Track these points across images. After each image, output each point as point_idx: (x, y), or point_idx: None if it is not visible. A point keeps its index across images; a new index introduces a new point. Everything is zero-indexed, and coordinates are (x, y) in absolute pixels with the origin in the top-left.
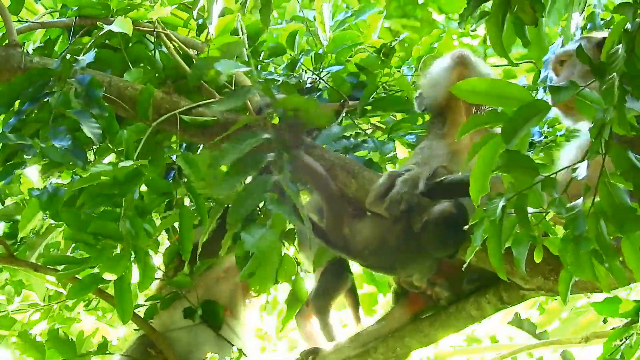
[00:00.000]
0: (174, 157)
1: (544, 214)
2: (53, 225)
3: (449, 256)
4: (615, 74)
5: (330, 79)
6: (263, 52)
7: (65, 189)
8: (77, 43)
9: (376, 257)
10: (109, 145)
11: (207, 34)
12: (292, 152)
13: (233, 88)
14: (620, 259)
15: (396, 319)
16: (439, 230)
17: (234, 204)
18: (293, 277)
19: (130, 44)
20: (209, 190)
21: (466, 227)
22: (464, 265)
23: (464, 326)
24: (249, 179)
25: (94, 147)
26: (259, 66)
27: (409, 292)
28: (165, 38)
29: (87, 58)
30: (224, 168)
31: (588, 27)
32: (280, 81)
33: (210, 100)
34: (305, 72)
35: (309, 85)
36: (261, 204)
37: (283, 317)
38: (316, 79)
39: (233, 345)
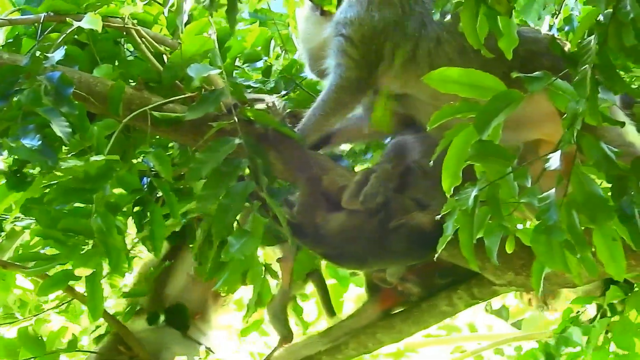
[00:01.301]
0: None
1: (517, 204)
2: (23, 227)
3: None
4: (587, 65)
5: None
6: (238, 58)
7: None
8: (46, 40)
9: (349, 247)
10: (80, 141)
11: (178, 31)
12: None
13: (206, 86)
14: (592, 249)
15: (368, 315)
16: (409, 241)
17: (217, 213)
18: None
19: (99, 40)
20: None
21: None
22: (435, 257)
23: (435, 322)
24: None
25: (65, 144)
26: (234, 72)
27: (381, 288)
28: (135, 34)
29: (56, 55)
30: None
31: (566, 29)
32: (257, 87)
33: (181, 97)
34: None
35: (284, 92)
36: None
37: (244, 314)
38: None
39: (201, 344)
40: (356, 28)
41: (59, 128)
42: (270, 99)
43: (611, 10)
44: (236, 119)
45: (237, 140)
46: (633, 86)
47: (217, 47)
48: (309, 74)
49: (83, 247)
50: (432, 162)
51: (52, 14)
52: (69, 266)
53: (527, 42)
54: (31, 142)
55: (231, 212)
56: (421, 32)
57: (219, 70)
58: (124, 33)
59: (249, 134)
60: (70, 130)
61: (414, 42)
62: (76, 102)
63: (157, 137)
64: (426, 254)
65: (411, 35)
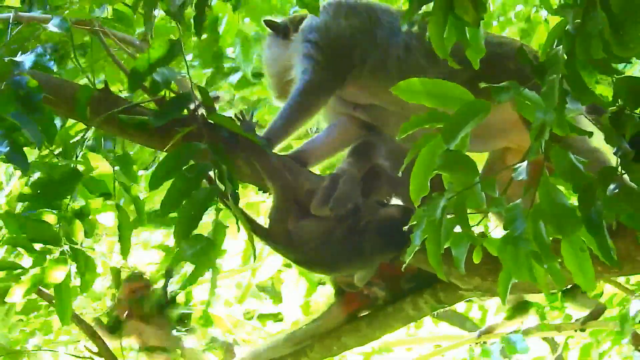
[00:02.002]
0: None
1: (484, 214)
2: None
3: (390, 260)
4: (555, 75)
5: None
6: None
7: None
8: (14, 42)
9: (319, 253)
10: (47, 145)
11: (147, 34)
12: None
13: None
14: (560, 260)
15: (333, 319)
16: (380, 233)
17: (179, 218)
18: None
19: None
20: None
21: (406, 228)
22: (403, 266)
23: (401, 325)
24: None
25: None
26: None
27: (346, 292)
28: (103, 36)
29: (26, 61)
30: None
31: None
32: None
33: (150, 100)
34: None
35: None
36: None
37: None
38: None
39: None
40: (322, 34)
41: (31, 133)
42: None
43: (579, 21)
44: (202, 124)
45: (202, 146)
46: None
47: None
48: (275, 102)
49: (51, 253)
50: (400, 173)
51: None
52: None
53: (491, 45)
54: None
55: (193, 217)
56: (390, 40)
57: (184, 74)
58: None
59: (215, 139)
60: (41, 135)
61: (383, 49)
62: (46, 106)
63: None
64: (402, 242)
65: (380, 43)
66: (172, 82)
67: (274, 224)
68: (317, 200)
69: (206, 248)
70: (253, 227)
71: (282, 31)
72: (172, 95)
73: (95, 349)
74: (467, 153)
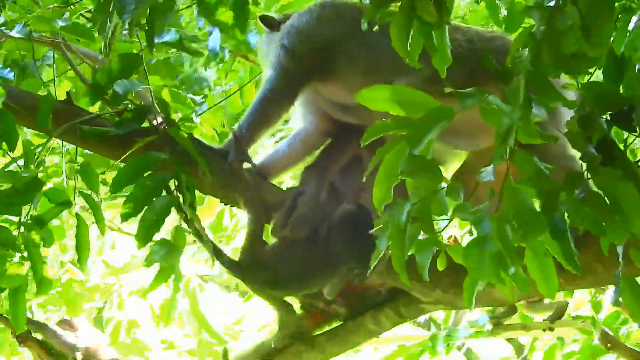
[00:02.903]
0: None
1: (449, 220)
2: None
3: (360, 263)
4: (520, 78)
5: None
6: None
7: None
8: None
9: (287, 269)
10: (8, 153)
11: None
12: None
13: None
14: (523, 264)
15: (292, 334)
16: (343, 231)
17: (140, 224)
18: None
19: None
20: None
21: (371, 230)
22: (368, 273)
23: (362, 341)
24: None
25: None
26: None
27: (305, 308)
28: (65, 49)
29: None
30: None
31: None
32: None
33: (110, 112)
34: None
35: None
36: None
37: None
38: None
39: None
40: (302, 38)
41: None
42: None
43: (543, 25)
44: (162, 135)
45: (163, 156)
46: None
47: (144, 64)
48: None
49: (9, 260)
50: (364, 178)
51: None
52: None
53: (484, 40)
54: None
55: (154, 223)
56: (382, 40)
57: (146, 86)
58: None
59: (174, 150)
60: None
61: (373, 51)
62: (7, 113)
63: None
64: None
65: (370, 45)
66: (133, 93)
67: (249, 250)
68: (276, 223)
69: (170, 252)
70: (216, 253)
71: (275, 27)
72: (133, 106)
73: None
74: (456, 151)
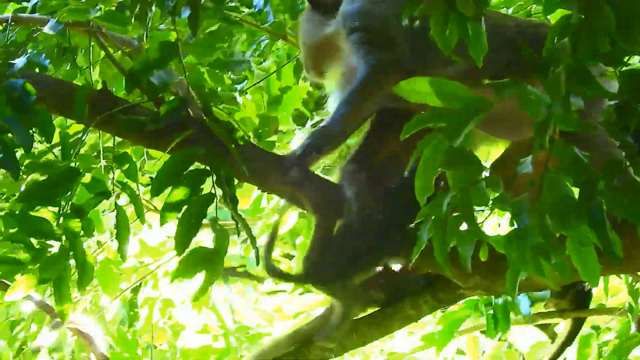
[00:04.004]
0: None
1: (490, 211)
2: None
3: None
4: (560, 68)
5: None
6: None
7: None
8: (12, 44)
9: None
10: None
11: (144, 34)
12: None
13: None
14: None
15: (331, 320)
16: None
17: (179, 227)
18: None
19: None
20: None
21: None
22: (410, 264)
23: (400, 326)
24: None
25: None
26: None
27: None
28: (101, 37)
29: (19, 62)
30: None
31: None
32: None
33: (147, 100)
34: None
35: None
36: None
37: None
38: None
39: None
40: (364, 18)
41: (19, 137)
42: None
43: (583, 16)
44: (199, 128)
45: (200, 151)
46: None
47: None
48: (306, 74)
49: (49, 250)
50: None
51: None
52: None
53: (533, 26)
54: None
55: (193, 225)
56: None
57: (181, 78)
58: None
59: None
60: (31, 140)
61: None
62: (41, 106)
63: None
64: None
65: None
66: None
67: (315, 257)
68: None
69: (211, 259)
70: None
71: (322, 7)
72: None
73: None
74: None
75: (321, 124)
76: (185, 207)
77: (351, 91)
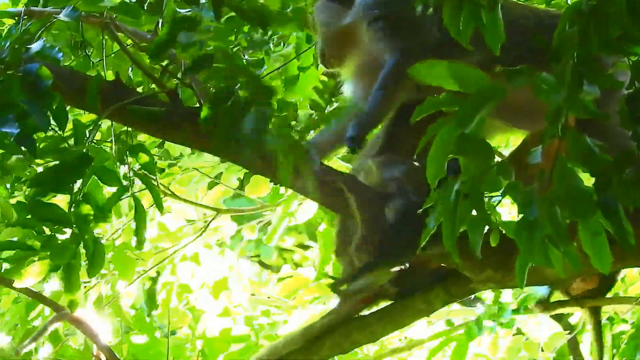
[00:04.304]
0: None
1: (500, 198)
2: None
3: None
4: (569, 56)
5: None
6: None
7: None
8: (26, 33)
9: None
10: (58, 132)
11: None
12: None
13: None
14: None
15: (342, 315)
16: None
17: None
18: None
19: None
20: None
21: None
22: (418, 251)
23: (411, 321)
24: None
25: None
26: None
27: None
28: (114, 29)
29: (35, 47)
30: None
31: None
32: None
33: (158, 92)
34: None
35: None
36: None
37: None
38: None
39: None
40: (385, 7)
41: (38, 118)
42: None
43: (593, 2)
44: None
45: None
46: None
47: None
48: (321, 64)
49: (62, 235)
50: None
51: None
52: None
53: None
54: (10, 130)
55: None
56: None
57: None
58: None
59: None
60: (48, 122)
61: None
62: (55, 93)
63: None
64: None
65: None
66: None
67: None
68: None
69: None
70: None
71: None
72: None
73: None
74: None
75: (360, 112)
76: None
77: (383, 79)
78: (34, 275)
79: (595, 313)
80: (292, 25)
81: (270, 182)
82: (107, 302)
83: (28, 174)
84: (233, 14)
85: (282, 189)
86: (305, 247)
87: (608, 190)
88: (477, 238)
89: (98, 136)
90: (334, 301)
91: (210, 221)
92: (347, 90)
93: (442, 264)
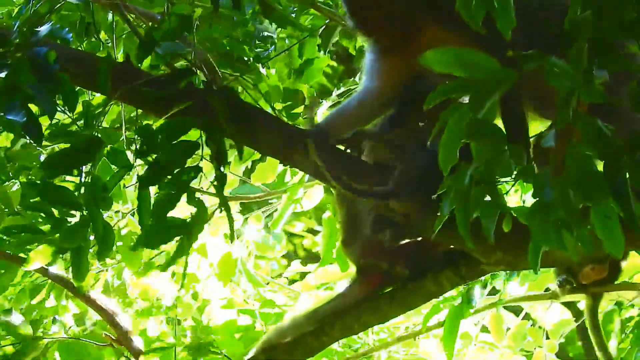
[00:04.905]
0: None
1: (513, 183)
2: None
3: None
4: (582, 40)
5: None
6: None
7: None
8: (35, 14)
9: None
10: (68, 114)
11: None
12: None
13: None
14: (589, 226)
15: (353, 296)
16: None
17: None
18: None
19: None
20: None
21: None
22: (433, 235)
23: (422, 303)
24: None
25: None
26: None
27: (367, 269)
28: (124, 10)
29: (44, 30)
30: None
31: None
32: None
33: (167, 74)
34: None
35: None
36: None
37: None
38: None
39: None
40: None
41: (44, 103)
42: None
43: None
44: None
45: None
46: None
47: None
48: (350, 21)
49: (71, 218)
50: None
51: None
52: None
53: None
54: (15, 117)
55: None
56: None
57: (188, 49)
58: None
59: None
60: (54, 107)
61: None
62: (64, 75)
63: None
64: None
65: None
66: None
67: None
68: None
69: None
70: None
71: None
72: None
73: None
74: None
75: None
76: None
77: None
78: (41, 258)
79: (595, 300)
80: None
81: (280, 163)
82: (113, 291)
83: (35, 164)
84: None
85: (287, 176)
86: (315, 232)
87: (618, 173)
88: (490, 224)
89: (108, 119)
90: (342, 285)
91: (216, 210)
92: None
93: (453, 246)
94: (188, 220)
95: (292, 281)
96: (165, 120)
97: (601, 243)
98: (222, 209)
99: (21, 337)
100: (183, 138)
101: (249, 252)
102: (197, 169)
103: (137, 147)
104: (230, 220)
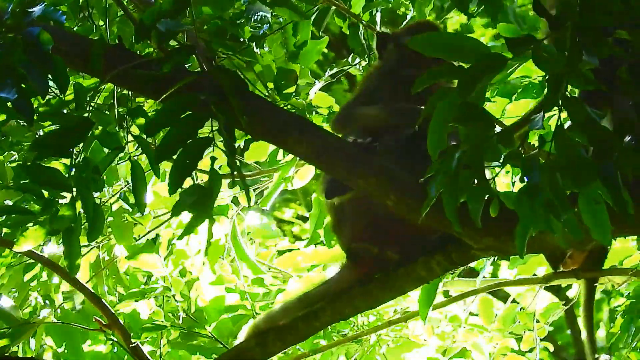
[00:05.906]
0: None
1: (501, 167)
2: None
3: None
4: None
5: None
6: None
7: None
8: None
9: None
10: (59, 95)
11: None
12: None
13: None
14: (576, 211)
15: (344, 281)
16: None
17: (173, 167)
18: None
19: None
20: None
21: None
22: (420, 219)
23: (413, 288)
24: None
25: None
26: None
27: (359, 254)
28: None
29: (36, 11)
30: None
31: None
32: None
33: (161, 57)
34: None
35: None
36: None
37: None
38: None
39: None
40: None
41: (37, 83)
42: None
43: None
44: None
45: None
46: None
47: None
48: None
49: (62, 199)
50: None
51: None
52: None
53: None
54: (7, 95)
55: (188, 166)
56: None
57: (189, 27)
58: None
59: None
60: (47, 87)
61: None
62: (56, 56)
63: None
64: None
65: None
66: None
67: None
68: None
69: (203, 198)
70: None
71: None
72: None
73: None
74: None
75: None
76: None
77: None
78: (32, 240)
79: (590, 286)
80: None
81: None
82: (104, 267)
83: (26, 137)
84: None
85: (279, 155)
86: (304, 219)
87: (607, 158)
88: (477, 208)
89: (99, 100)
90: (333, 269)
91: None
92: None
93: (443, 231)
94: (205, 187)
95: (280, 253)
96: (169, 98)
97: (587, 229)
98: (235, 176)
99: (12, 321)
100: None
101: (242, 230)
102: (209, 140)
103: (127, 125)
104: (245, 186)
